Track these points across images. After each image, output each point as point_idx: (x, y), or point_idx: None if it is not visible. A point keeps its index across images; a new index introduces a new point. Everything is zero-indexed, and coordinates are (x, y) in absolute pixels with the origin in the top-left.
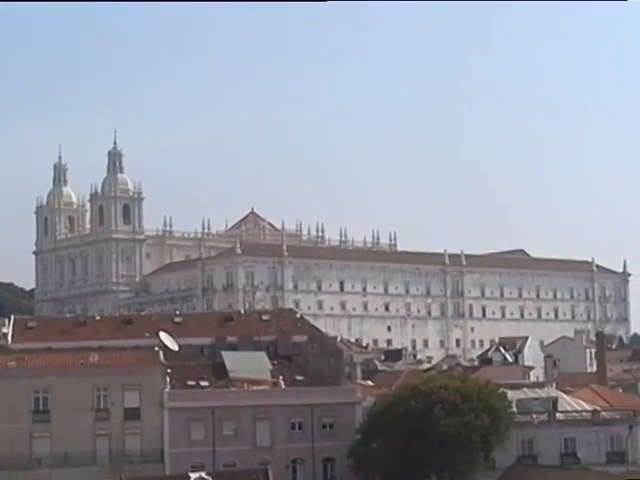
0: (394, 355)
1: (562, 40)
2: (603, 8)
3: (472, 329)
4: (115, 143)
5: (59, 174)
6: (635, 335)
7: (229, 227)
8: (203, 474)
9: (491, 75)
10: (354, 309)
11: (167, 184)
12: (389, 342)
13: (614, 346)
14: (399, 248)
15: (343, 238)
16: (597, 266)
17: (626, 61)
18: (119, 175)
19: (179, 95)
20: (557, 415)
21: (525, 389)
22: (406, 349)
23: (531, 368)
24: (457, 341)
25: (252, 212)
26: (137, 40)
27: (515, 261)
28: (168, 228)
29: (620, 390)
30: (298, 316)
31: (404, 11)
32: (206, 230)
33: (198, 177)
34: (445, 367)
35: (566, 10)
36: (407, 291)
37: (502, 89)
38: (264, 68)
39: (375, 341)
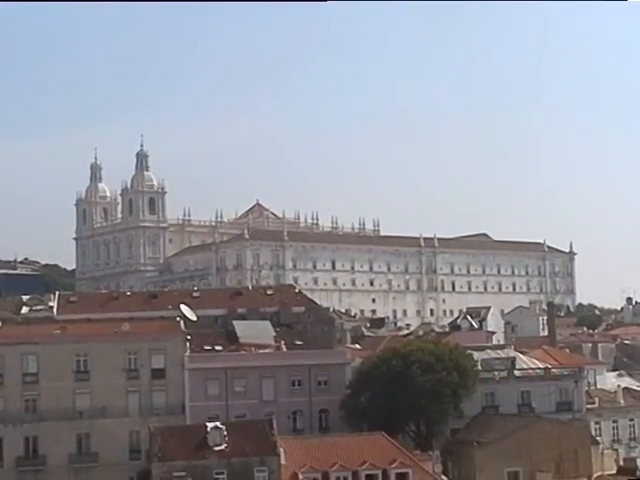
0: (378, 323)
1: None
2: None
3: (444, 301)
4: (142, 145)
5: (95, 172)
6: (580, 305)
7: (238, 216)
8: (218, 424)
9: (479, 71)
10: (344, 284)
11: (186, 180)
12: (374, 312)
13: (562, 314)
14: (382, 233)
15: (334, 225)
16: (548, 247)
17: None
18: (145, 173)
19: (195, 103)
20: (515, 372)
21: (488, 350)
22: (388, 318)
23: (493, 333)
24: (431, 311)
25: (257, 203)
26: (156, 55)
27: (479, 243)
28: (187, 217)
29: (567, 351)
30: (297, 291)
31: (405, 11)
32: (219, 219)
33: (212, 174)
34: (421, 333)
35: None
36: (389, 269)
37: (484, 83)
38: (266, 74)
39: (362, 311)
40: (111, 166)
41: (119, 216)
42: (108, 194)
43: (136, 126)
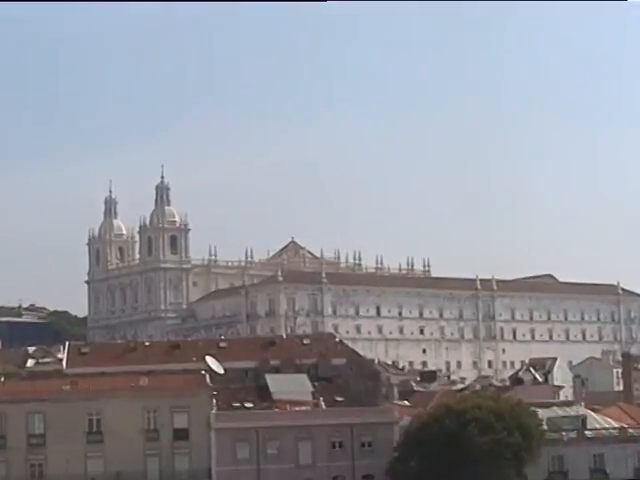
0: (429, 376)
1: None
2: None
3: (503, 351)
4: (162, 177)
5: (110, 207)
6: None
7: (271, 256)
8: None
9: (506, 89)
10: (390, 333)
11: (212, 215)
12: (424, 364)
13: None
14: (433, 274)
15: (379, 265)
16: (622, 289)
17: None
18: (166, 208)
19: (221, 130)
20: (586, 432)
21: (555, 408)
22: (440, 370)
23: (560, 387)
24: (489, 362)
25: (292, 241)
26: (176, 79)
27: (544, 285)
28: (213, 257)
29: None
30: (337, 340)
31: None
32: (249, 259)
33: (241, 208)
34: (478, 387)
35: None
36: (441, 315)
37: (517, 105)
38: (299, 101)
39: (411, 363)
40: (127, 200)
41: (137, 256)
42: (124, 231)
43: (155, 156)
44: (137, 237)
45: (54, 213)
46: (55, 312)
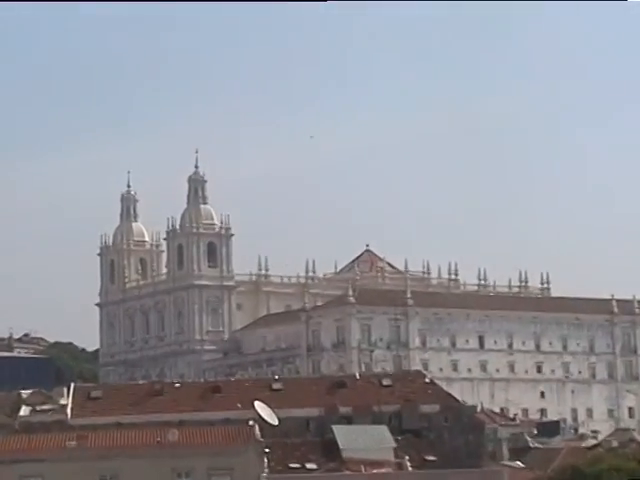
0: (550, 429)
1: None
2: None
3: None
4: (197, 167)
5: (128, 207)
6: None
7: (339, 269)
8: None
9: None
10: (497, 370)
11: (261, 217)
12: (543, 412)
13: None
14: (553, 293)
15: (482, 281)
16: None
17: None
18: (202, 206)
19: (274, 107)
20: None
21: None
22: (565, 421)
23: None
24: (630, 410)
25: (367, 250)
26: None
27: None
28: (263, 272)
29: None
30: (427, 380)
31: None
32: (311, 273)
33: (299, 208)
34: (616, 444)
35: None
36: (565, 347)
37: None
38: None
39: (525, 411)
40: (151, 197)
41: (163, 270)
42: (147, 238)
43: (187, 139)
44: (164, 245)
45: (54, 215)
46: (56, 344)
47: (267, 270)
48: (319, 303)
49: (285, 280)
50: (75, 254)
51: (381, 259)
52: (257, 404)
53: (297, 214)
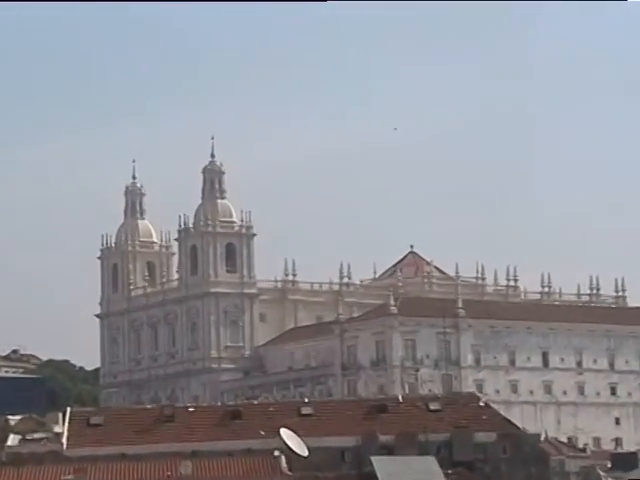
0: (626, 461)
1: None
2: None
3: None
4: (213, 156)
5: (133, 201)
6: None
7: (378, 275)
8: None
9: None
10: (564, 393)
11: (288, 213)
12: (618, 442)
13: None
14: (629, 302)
15: (546, 288)
16: None
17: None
18: (219, 202)
19: (302, 86)
20: None
21: None
22: None
23: None
24: None
25: (411, 252)
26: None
27: None
28: (290, 277)
29: None
30: (482, 404)
31: None
32: (345, 279)
33: (332, 203)
34: None
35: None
36: None
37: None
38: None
39: (597, 440)
40: (159, 190)
41: (174, 276)
42: (155, 238)
43: (202, 123)
44: (175, 246)
45: (47, 210)
46: (50, 362)
47: (295, 275)
48: (355, 314)
49: (316, 287)
50: (72, 256)
51: (428, 262)
52: (283, 432)
53: (329, 210)
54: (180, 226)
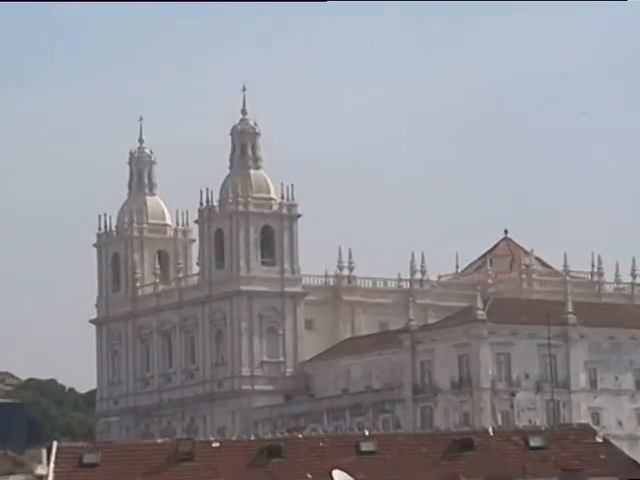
0: None
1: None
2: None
3: None
4: (244, 113)
5: (139, 171)
6: None
7: (461, 269)
8: None
9: None
10: None
11: (342, 189)
12: None
13: None
14: None
15: None
16: None
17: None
18: (252, 172)
19: (347, 38)
20: None
21: None
22: None
23: None
24: None
25: (505, 238)
26: None
27: None
28: (346, 272)
29: None
30: (599, 439)
31: None
32: (418, 275)
33: (398, 177)
34: None
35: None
36: None
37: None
38: None
39: None
40: (173, 158)
41: (194, 270)
42: (169, 220)
43: (227, 74)
44: (195, 231)
45: (26, 184)
46: (31, 382)
47: (352, 270)
48: (431, 320)
49: (379, 285)
50: (61, 244)
51: (527, 252)
52: (337, 474)
53: (395, 186)
54: (202, 204)
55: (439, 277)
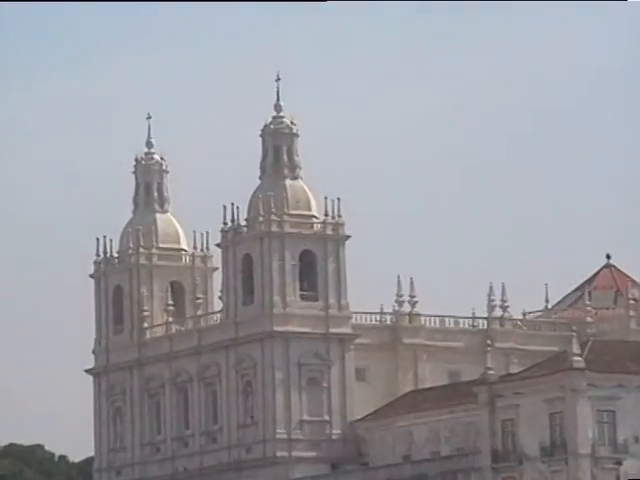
0: None
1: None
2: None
3: None
4: (278, 108)
5: (147, 182)
6: None
7: (552, 304)
8: None
9: None
10: None
11: (397, 203)
12: None
13: None
14: None
15: None
16: None
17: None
18: (289, 183)
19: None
20: None
21: None
22: None
23: None
24: None
25: (608, 265)
26: None
27: None
28: (407, 308)
29: None
30: None
31: None
32: (497, 311)
33: (468, 187)
34: None
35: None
36: None
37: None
38: None
39: None
40: (191, 164)
41: (216, 306)
42: (184, 244)
43: (257, 60)
44: (217, 257)
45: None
46: (12, 448)
47: (414, 305)
48: (515, 368)
49: (449, 324)
50: (48, 273)
51: (635, 282)
52: None
53: (466, 200)
54: (225, 224)
55: (524, 314)
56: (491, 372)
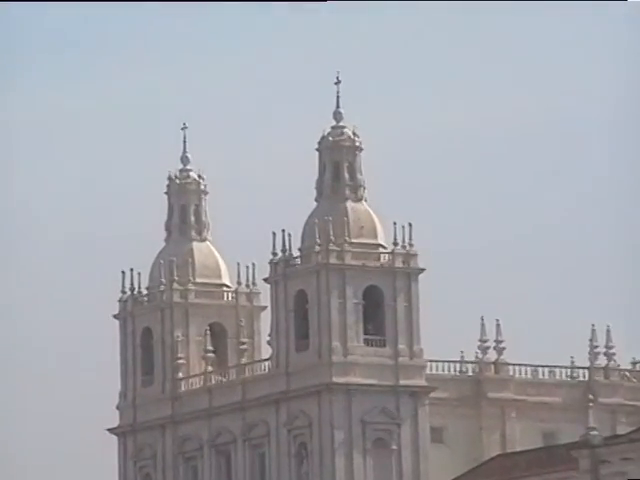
0: None
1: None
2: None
3: None
4: (338, 116)
5: (183, 207)
6: None
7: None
8: None
9: None
10: None
11: (472, 229)
12: None
13: None
14: None
15: None
16: None
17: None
18: (352, 206)
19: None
20: None
21: None
22: None
23: None
24: None
25: None
26: None
27: None
28: (492, 356)
29: None
30: None
31: None
32: (602, 361)
33: (566, 216)
34: None
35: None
36: None
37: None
38: None
39: None
40: (233, 184)
41: (264, 353)
42: (225, 278)
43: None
44: (266, 295)
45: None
46: None
47: (501, 353)
48: (622, 429)
49: (542, 375)
50: (66, 314)
51: None
52: None
53: (557, 224)
54: (275, 254)
55: (634, 363)
56: (594, 433)
